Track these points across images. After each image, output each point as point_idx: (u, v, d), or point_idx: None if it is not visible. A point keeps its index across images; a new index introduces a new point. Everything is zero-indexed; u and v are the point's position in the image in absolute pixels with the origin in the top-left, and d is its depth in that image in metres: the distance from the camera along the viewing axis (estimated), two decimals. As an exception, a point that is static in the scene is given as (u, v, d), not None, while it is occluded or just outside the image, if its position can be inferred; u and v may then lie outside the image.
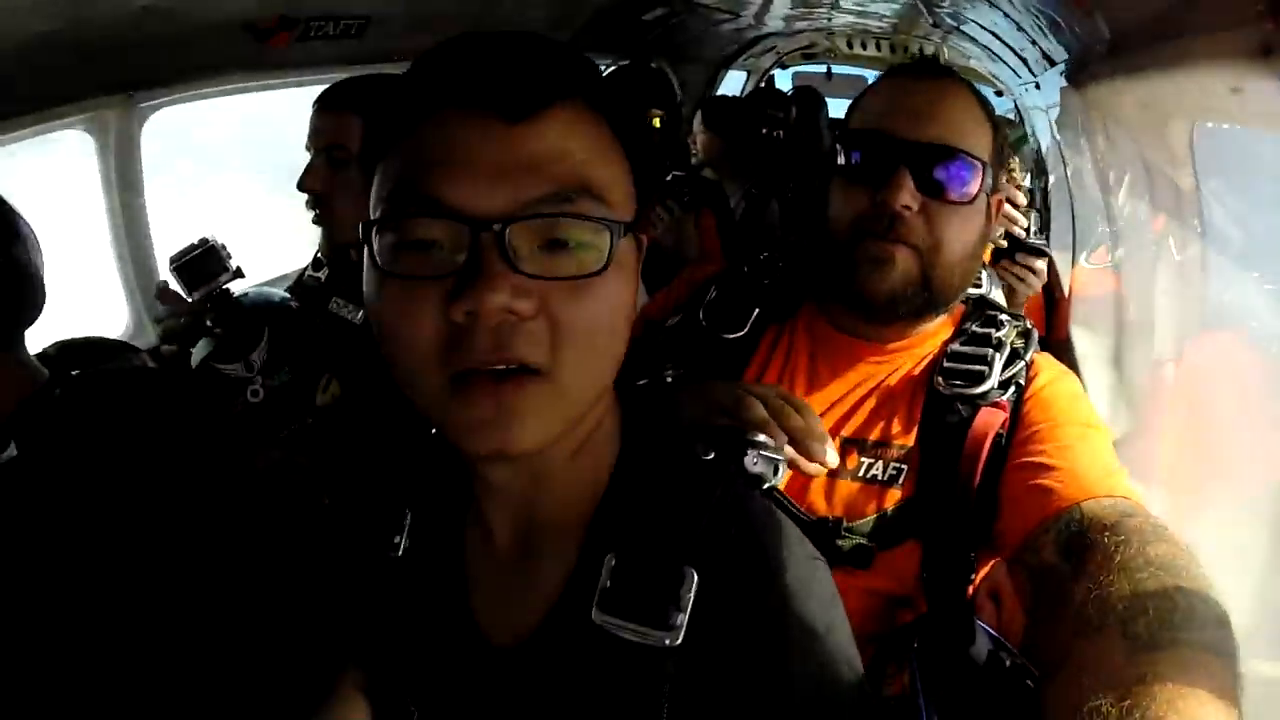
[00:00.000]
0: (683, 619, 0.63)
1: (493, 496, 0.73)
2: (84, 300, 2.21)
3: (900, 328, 1.14)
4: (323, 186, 1.58)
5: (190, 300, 1.60)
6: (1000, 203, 1.19)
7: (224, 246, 1.61)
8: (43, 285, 1.24)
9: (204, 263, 1.58)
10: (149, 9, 1.69)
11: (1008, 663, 0.99)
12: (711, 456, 0.73)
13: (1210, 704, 0.61)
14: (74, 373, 1.31)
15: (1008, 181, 1.67)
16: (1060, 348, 2.14)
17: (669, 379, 1.01)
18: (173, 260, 1.60)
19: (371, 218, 0.64)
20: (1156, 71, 1.39)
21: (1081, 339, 2.27)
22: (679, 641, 0.63)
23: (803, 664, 0.66)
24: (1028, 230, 1.65)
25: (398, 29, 2.56)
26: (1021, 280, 1.72)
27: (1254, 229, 1.60)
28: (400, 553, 0.78)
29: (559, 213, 0.60)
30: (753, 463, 0.77)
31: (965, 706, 0.94)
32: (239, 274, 1.63)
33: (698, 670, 0.64)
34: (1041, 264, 1.72)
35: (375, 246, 0.62)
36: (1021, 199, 1.67)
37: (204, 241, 1.59)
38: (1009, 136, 1.19)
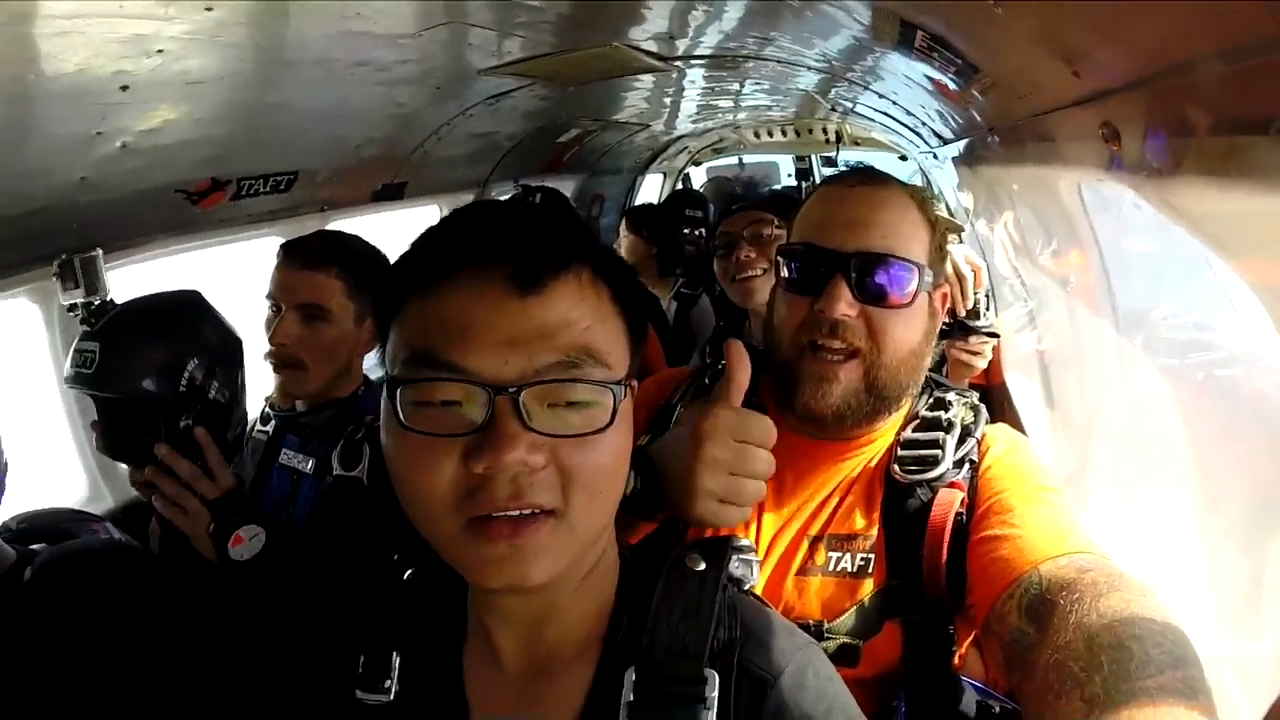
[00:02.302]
0: (712, 716, 0.69)
1: (503, 624, 0.76)
2: (42, 468, 2.16)
3: (854, 430, 1.15)
4: (295, 342, 1.59)
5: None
6: (945, 297, 1.21)
7: None
8: (3, 467, 1.25)
9: None
10: (86, 180, 1.75)
11: (996, 709, 1.02)
12: (703, 567, 0.78)
13: None
14: (36, 547, 1.31)
15: (966, 261, 1.72)
16: (998, 393, 2.23)
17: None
18: None
19: (391, 374, 0.69)
20: (1033, 161, 1.52)
21: (1016, 383, 2.38)
22: None
23: None
24: (977, 310, 1.70)
25: (324, 180, 2.68)
26: (973, 357, 1.78)
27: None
28: (392, 696, 0.79)
29: (567, 378, 0.67)
30: (735, 567, 0.81)
31: None
32: None
33: None
34: (992, 344, 1.78)
35: (398, 403, 0.67)
36: (978, 279, 1.71)
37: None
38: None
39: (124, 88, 1.53)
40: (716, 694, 0.70)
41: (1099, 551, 0.93)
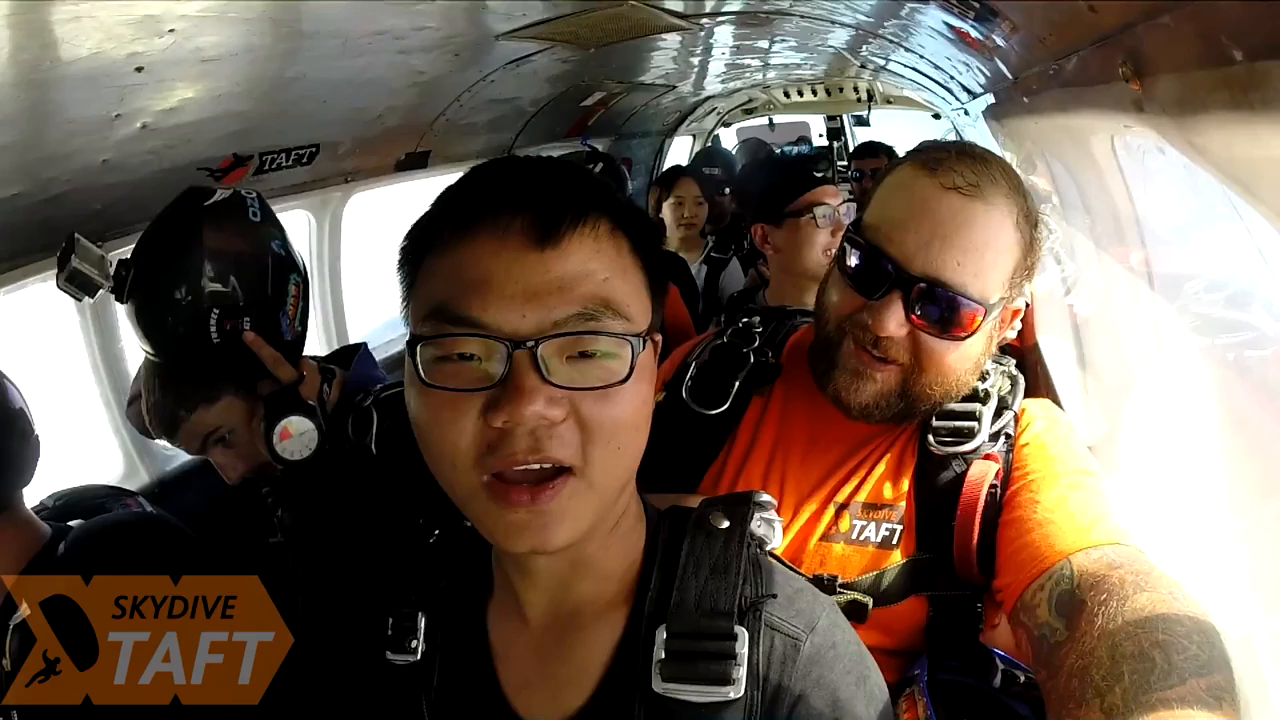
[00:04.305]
0: (742, 671, 0.71)
1: (529, 581, 0.78)
2: (76, 446, 2.23)
3: (881, 423, 1.11)
4: (225, 466, 1.52)
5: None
6: (1016, 313, 1.13)
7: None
8: (35, 442, 1.28)
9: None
10: (108, 162, 1.78)
11: (1022, 679, 1.01)
12: (726, 525, 0.79)
13: None
14: (72, 524, 1.34)
15: None
16: (1031, 356, 2.19)
17: None
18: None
19: (413, 332, 0.70)
20: (1059, 110, 1.46)
21: (1048, 344, 2.32)
22: (741, 693, 0.71)
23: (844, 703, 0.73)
24: None
25: (346, 152, 2.68)
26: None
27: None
28: (419, 655, 0.81)
29: (585, 330, 0.67)
30: (756, 525, 0.82)
31: None
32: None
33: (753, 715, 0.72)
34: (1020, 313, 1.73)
35: (418, 359, 0.68)
36: None
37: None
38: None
39: (139, 69, 1.53)
40: (746, 650, 0.71)
41: (1131, 542, 0.91)
